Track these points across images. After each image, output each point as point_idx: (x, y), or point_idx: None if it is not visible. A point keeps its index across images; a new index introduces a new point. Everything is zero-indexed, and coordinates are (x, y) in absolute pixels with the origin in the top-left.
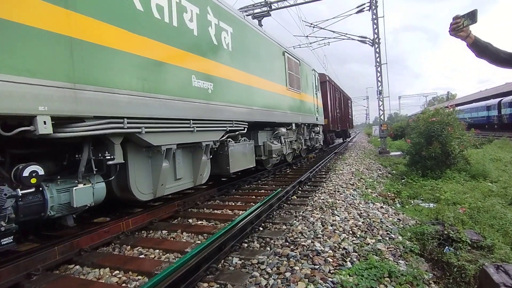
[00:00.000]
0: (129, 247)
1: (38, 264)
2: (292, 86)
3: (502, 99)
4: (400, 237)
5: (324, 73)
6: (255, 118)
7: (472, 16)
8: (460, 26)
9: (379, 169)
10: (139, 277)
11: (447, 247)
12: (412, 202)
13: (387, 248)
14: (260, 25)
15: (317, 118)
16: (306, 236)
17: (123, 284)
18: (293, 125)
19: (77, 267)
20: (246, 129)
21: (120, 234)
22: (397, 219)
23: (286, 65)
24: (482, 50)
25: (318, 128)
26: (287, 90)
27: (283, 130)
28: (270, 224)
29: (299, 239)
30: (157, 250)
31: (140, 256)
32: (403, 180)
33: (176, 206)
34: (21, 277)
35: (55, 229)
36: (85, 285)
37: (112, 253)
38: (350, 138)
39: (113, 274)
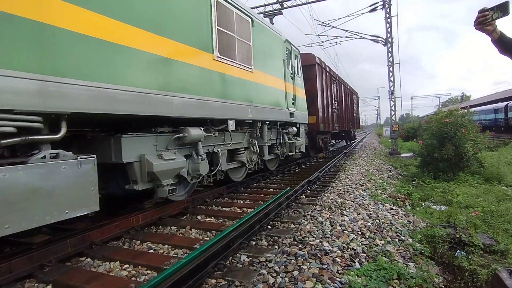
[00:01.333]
0: (138, 241)
1: (51, 256)
2: (229, 56)
3: (508, 103)
4: (410, 239)
5: (312, 53)
6: (78, 106)
7: (503, 8)
8: (489, 19)
9: (390, 170)
10: (148, 271)
11: (458, 250)
12: (423, 204)
13: (397, 250)
14: (272, 23)
15: (291, 113)
16: (315, 235)
17: (133, 278)
18: (230, 123)
19: (88, 259)
20: (59, 133)
21: (130, 229)
22: (407, 221)
23: (212, 17)
24: (508, 46)
25: (296, 129)
26: (214, 61)
27: (196, 132)
28: (279, 222)
29: (307, 238)
30: (166, 246)
31: (150, 251)
32: (414, 182)
33: (185, 202)
34: (34, 268)
35: (67, 222)
36: (96, 277)
37: (122, 247)
38: (357, 141)
39: (123, 267)
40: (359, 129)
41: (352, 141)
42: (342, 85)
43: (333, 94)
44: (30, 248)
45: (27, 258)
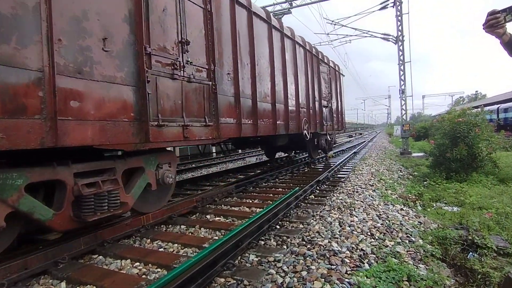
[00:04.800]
0: (149, 240)
1: (65, 253)
2: None
3: (499, 106)
4: (420, 240)
5: None
6: None
7: None
8: (501, 22)
9: (400, 170)
10: (159, 269)
11: (471, 253)
12: (435, 205)
13: (407, 251)
14: (281, 22)
15: None
16: (323, 236)
17: (143, 276)
18: None
19: (100, 257)
20: None
21: (140, 228)
22: (418, 222)
23: None
24: None
25: None
26: None
27: None
28: (287, 222)
29: (316, 239)
30: (176, 244)
31: (160, 250)
32: (425, 182)
33: (195, 202)
34: (49, 265)
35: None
36: (108, 274)
37: (133, 246)
38: (366, 141)
39: (134, 265)
40: (340, 131)
41: (322, 154)
42: (269, 27)
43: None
44: (45, 245)
45: (42, 255)
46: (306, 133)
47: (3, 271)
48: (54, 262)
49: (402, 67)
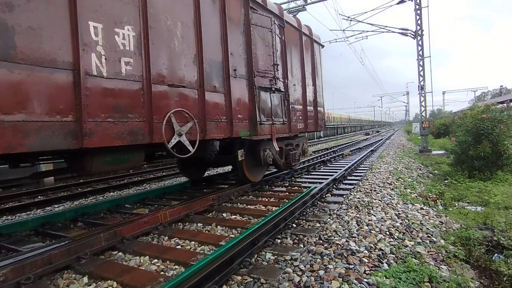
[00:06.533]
0: (166, 237)
1: (86, 249)
2: None
3: None
4: (442, 241)
5: None
6: None
7: None
8: None
9: (420, 169)
10: (176, 266)
11: (496, 254)
12: (457, 204)
13: (428, 251)
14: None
15: None
16: (341, 235)
17: (162, 272)
18: None
19: (120, 253)
20: None
21: (158, 225)
22: (439, 221)
23: None
24: None
25: None
26: None
27: None
28: (304, 221)
29: (333, 238)
30: (193, 242)
31: (177, 247)
32: (446, 181)
33: (211, 200)
34: (72, 260)
35: (100, 217)
36: (128, 271)
37: (151, 243)
38: (384, 138)
39: (152, 262)
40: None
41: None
42: None
43: None
44: (68, 241)
45: (66, 250)
46: (186, 143)
47: (29, 265)
48: (77, 257)
49: (421, 63)
